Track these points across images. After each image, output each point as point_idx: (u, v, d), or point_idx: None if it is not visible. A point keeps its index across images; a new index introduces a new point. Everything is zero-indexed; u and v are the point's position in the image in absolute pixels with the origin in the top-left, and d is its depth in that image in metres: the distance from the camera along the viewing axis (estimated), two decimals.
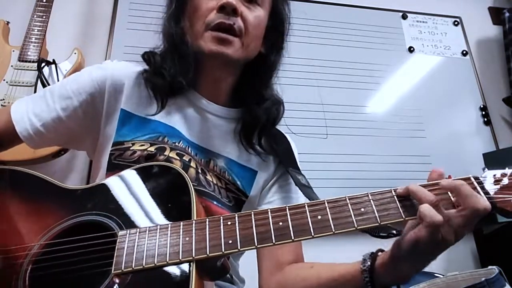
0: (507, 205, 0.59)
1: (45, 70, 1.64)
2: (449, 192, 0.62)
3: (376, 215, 0.61)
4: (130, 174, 0.75)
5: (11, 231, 0.69)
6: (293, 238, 0.61)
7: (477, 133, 2.21)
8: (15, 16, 1.86)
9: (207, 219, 0.65)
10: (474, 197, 0.58)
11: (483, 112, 2.26)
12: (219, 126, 0.93)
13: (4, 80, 1.61)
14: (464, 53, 2.40)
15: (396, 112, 2.16)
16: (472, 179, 0.63)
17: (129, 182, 0.74)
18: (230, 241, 0.62)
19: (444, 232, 0.58)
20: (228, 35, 0.84)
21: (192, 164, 0.86)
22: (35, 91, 1.58)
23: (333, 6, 2.31)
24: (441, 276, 1.37)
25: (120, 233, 0.65)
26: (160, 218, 0.67)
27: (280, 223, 0.63)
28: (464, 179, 0.63)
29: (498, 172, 0.62)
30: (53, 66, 1.67)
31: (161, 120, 0.89)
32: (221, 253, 0.61)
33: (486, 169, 0.64)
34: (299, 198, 0.96)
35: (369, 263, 0.68)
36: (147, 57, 0.92)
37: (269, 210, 0.64)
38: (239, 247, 0.62)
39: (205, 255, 0.61)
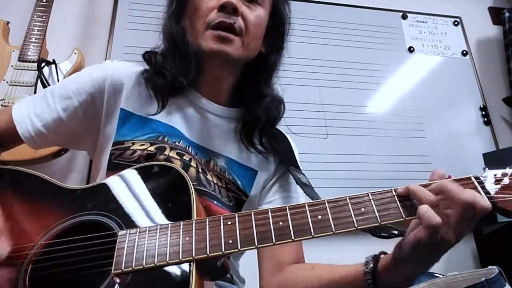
0: (508, 205, 0.59)
1: (45, 70, 1.64)
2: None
3: (377, 215, 0.61)
4: (130, 174, 0.75)
5: (11, 231, 0.69)
6: (293, 238, 0.61)
7: (477, 133, 2.21)
8: (15, 16, 1.86)
9: (207, 219, 0.65)
10: (457, 189, 0.59)
11: (483, 112, 2.26)
12: (219, 125, 0.93)
13: (4, 80, 1.61)
14: (464, 53, 2.40)
15: (396, 112, 2.16)
16: (473, 179, 0.63)
17: (129, 182, 0.74)
18: (230, 241, 0.62)
19: (444, 232, 0.58)
20: (229, 33, 0.84)
21: (193, 163, 0.86)
22: (35, 91, 1.58)
23: (333, 6, 2.31)
24: (441, 276, 1.36)
25: (120, 233, 0.65)
26: (160, 218, 0.67)
27: (280, 223, 0.63)
28: (465, 179, 0.63)
29: (498, 172, 0.62)
30: (53, 66, 1.67)
31: (161, 120, 0.89)
32: (221, 253, 0.61)
33: (487, 168, 0.63)
34: (299, 197, 0.96)
35: (371, 265, 0.68)
36: (148, 57, 0.92)
37: (269, 210, 0.64)
38: (239, 247, 0.61)
39: (205, 255, 0.61)
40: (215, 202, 0.85)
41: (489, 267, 1.36)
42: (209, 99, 0.93)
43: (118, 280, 0.60)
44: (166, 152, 0.84)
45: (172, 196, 0.70)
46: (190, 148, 0.88)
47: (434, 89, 2.25)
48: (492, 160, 1.81)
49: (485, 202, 0.57)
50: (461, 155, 2.10)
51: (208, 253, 0.61)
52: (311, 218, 0.62)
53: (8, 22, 1.82)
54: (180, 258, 0.61)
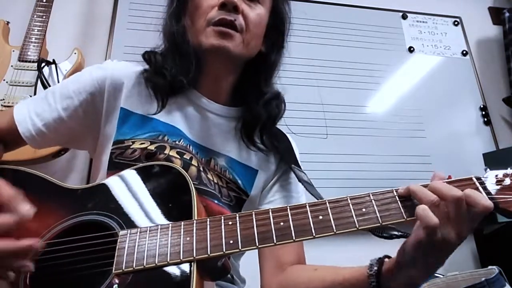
0: (509, 206, 0.58)
1: (45, 70, 1.64)
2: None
3: (378, 215, 0.61)
4: (131, 174, 0.75)
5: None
6: (294, 238, 0.61)
7: (477, 133, 2.21)
8: (15, 16, 1.86)
9: (208, 219, 0.65)
10: (446, 188, 0.59)
11: (483, 112, 2.26)
12: (219, 125, 0.93)
13: (4, 80, 1.61)
14: (464, 53, 2.40)
15: (396, 112, 2.16)
16: (474, 179, 0.63)
17: (130, 182, 0.74)
18: (231, 241, 0.62)
19: (444, 232, 0.58)
20: (229, 29, 0.84)
21: (194, 162, 0.86)
22: (35, 91, 1.58)
23: (333, 6, 2.31)
24: (441, 276, 1.37)
25: (121, 232, 0.65)
26: (160, 218, 0.67)
27: (281, 223, 0.63)
28: (466, 180, 0.63)
29: (500, 173, 0.62)
30: (53, 66, 1.67)
31: (161, 119, 0.89)
32: (222, 253, 0.61)
33: (488, 169, 0.63)
34: (300, 197, 0.96)
35: (376, 268, 0.67)
36: (148, 56, 0.92)
37: (270, 210, 0.64)
38: (240, 247, 0.61)
39: (206, 255, 0.61)
40: (216, 202, 0.85)
41: (489, 267, 1.37)
42: (209, 98, 0.93)
43: (118, 280, 0.60)
44: (166, 151, 0.84)
45: (172, 196, 0.70)
46: (190, 147, 0.88)
47: (434, 89, 2.25)
48: (492, 160, 1.81)
49: (486, 201, 0.57)
50: (461, 155, 2.10)
51: (209, 253, 0.61)
52: (312, 218, 0.62)
53: (8, 22, 1.82)
54: (181, 258, 0.61)
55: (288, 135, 1.02)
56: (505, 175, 0.61)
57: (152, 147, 0.84)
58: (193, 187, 0.69)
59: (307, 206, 0.64)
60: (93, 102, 0.88)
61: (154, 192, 0.71)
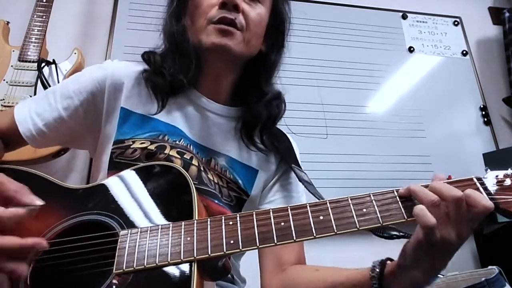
0: (510, 206, 0.58)
1: (45, 70, 1.64)
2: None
3: (378, 215, 0.61)
4: (131, 174, 0.75)
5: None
6: (295, 238, 0.61)
7: (477, 133, 2.22)
8: (15, 16, 1.86)
9: (209, 219, 0.65)
10: (446, 188, 0.59)
11: (483, 112, 2.27)
12: (219, 124, 0.93)
13: (4, 80, 1.61)
14: (464, 53, 2.40)
15: (396, 112, 2.16)
16: (475, 179, 0.63)
17: (131, 182, 0.74)
18: (232, 241, 0.62)
19: (444, 233, 0.58)
20: (230, 27, 0.84)
21: (194, 162, 0.86)
22: (35, 91, 1.58)
23: (333, 6, 2.31)
24: (441, 276, 1.37)
25: (122, 232, 0.65)
26: (161, 218, 0.67)
27: (282, 223, 0.63)
28: (467, 180, 0.63)
29: (500, 173, 0.62)
30: (53, 66, 1.67)
31: (161, 119, 0.89)
32: (222, 253, 0.61)
33: (489, 170, 0.63)
34: (301, 197, 0.96)
35: (378, 270, 0.67)
36: (147, 57, 0.92)
37: (271, 210, 0.64)
38: (240, 247, 0.61)
39: (207, 255, 0.61)
40: (216, 201, 0.85)
41: (489, 267, 1.37)
42: (209, 98, 0.93)
43: (119, 280, 0.60)
44: (167, 151, 0.84)
45: (173, 196, 0.70)
46: (191, 147, 0.88)
47: (434, 89, 2.25)
48: (492, 160, 1.81)
49: (487, 202, 0.57)
50: (461, 155, 2.10)
51: (209, 253, 0.61)
52: (313, 218, 0.62)
53: (8, 22, 1.82)
54: (182, 258, 0.61)
55: (288, 135, 1.03)
56: (506, 176, 0.61)
57: (152, 147, 0.84)
58: (193, 187, 0.69)
59: (308, 206, 0.64)
60: (93, 102, 0.88)
61: (154, 192, 0.71)
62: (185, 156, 0.85)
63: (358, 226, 0.61)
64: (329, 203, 0.64)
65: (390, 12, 2.39)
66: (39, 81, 1.58)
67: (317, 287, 0.78)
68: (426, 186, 0.62)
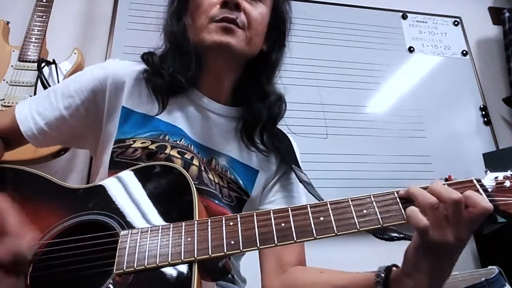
0: (509, 208, 0.58)
1: (45, 70, 1.63)
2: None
3: (379, 216, 0.61)
4: (132, 174, 0.75)
5: None
6: (295, 239, 0.61)
7: (477, 133, 2.22)
8: (15, 16, 1.86)
9: (209, 220, 0.65)
10: (444, 190, 0.59)
11: (483, 112, 2.27)
12: (220, 124, 0.93)
13: (4, 80, 1.61)
14: (464, 53, 2.40)
15: (396, 112, 2.16)
16: (475, 181, 0.63)
17: (131, 182, 0.74)
18: (232, 242, 0.62)
19: (441, 235, 0.58)
20: (232, 25, 0.85)
21: (195, 161, 0.86)
22: (35, 91, 1.58)
23: (333, 6, 2.31)
24: None
25: (122, 233, 0.65)
26: (161, 218, 0.67)
27: (282, 224, 0.63)
28: (466, 182, 0.63)
29: (500, 175, 0.62)
30: (53, 66, 1.67)
31: (162, 118, 0.89)
32: (223, 253, 0.61)
33: (488, 171, 0.63)
34: (301, 198, 0.96)
35: (383, 275, 0.67)
36: (146, 57, 0.92)
37: (271, 211, 0.64)
38: (241, 248, 0.62)
39: (207, 256, 0.61)
40: (216, 201, 0.85)
41: (489, 267, 1.37)
42: (210, 97, 0.93)
43: (119, 280, 0.60)
44: (167, 151, 0.84)
45: (173, 196, 0.70)
46: (192, 147, 0.88)
47: (434, 89, 2.25)
48: (492, 160, 1.81)
49: (486, 203, 0.57)
50: (461, 155, 2.10)
51: (210, 253, 0.61)
52: (313, 219, 0.62)
53: (8, 22, 1.82)
54: (182, 258, 0.61)
55: (289, 135, 1.03)
56: (505, 178, 0.62)
57: (153, 147, 0.84)
58: (194, 188, 0.69)
59: (308, 207, 0.64)
60: (94, 101, 0.88)
61: (155, 192, 0.71)
62: (185, 156, 0.85)
63: (358, 227, 0.61)
64: (330, 204, 0.64)
65: (390, 12, 2.40)
66: (39, 81, 1.58)
67: None
68: (425, 188, 0.62)
